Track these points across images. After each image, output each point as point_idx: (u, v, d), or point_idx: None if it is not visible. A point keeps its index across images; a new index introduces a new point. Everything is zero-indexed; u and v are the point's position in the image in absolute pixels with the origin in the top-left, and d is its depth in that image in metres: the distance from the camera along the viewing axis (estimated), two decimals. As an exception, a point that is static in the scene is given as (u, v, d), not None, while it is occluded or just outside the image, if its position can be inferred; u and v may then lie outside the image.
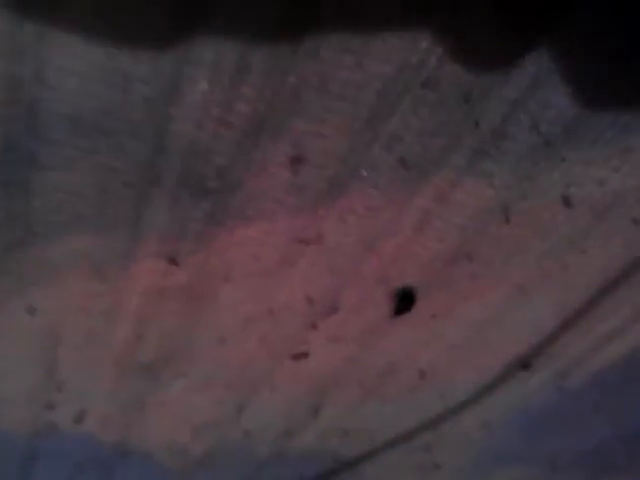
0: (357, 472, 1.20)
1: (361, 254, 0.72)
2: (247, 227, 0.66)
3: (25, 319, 0.74)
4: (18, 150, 0.56)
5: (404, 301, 0.78)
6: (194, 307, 0.74)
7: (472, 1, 0.52)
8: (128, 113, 0.55)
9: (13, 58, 0.50)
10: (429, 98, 0.58)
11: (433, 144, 0.62)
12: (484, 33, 0.55)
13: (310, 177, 0.62)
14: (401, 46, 0.54)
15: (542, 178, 0.65)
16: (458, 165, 0.64)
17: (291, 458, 1.11)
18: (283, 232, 0.67)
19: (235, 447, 1.06)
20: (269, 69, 0.53)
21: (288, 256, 0.70)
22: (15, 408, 0.88)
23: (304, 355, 0.84)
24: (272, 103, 0.56)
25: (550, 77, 0.57)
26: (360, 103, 0.57)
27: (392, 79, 0.56)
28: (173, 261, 0.67)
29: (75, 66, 0.52)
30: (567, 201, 0.69)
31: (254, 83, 0.54)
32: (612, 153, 0.64)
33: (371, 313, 0.79)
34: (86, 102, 0.54)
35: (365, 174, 0.64)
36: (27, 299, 0.71)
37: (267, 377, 0.89)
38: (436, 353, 0.90)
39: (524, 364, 0.95)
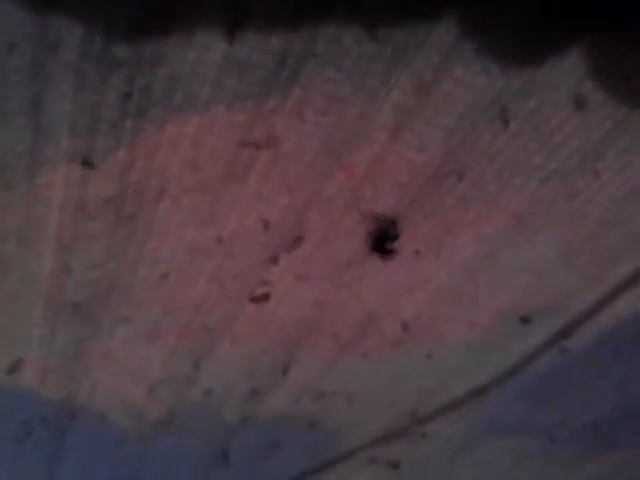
0: (335, 439, 1.04)
1: (325, 165, 0.55)
2: (178, 121, 0.50)
3: None
4: None
5: (385, 237, 0.61)
6: (126, 229, 0.58)
7: None
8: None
9: None
10: None
11: (407, 6, 0.45)
12: None
13: (252, 50, 0.45)
14: None
15: (550, 66, 0.49)
16: (443, 43, 0.47)
17: (261, 422, 0.95)
18: (224, 130, 0.51)
19: (197, 409, 0.90)
20: None
21: (234, 165, 0.54)
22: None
23: (265, 297, 0.68)
24: None
25: None
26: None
27: None
28: (88, 163, 0.51)
29: None
30: (581, 101, 0.52)
31: None
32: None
33: (342, 245, 0.63)
34: None
35: (321, 48, 0.47)
36: None
37: (225, 325, 0.73)
38: (421, 301, 0.74)
39: (523, 317, 0.79)
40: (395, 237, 0.63)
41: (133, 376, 0.82)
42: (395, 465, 1.12)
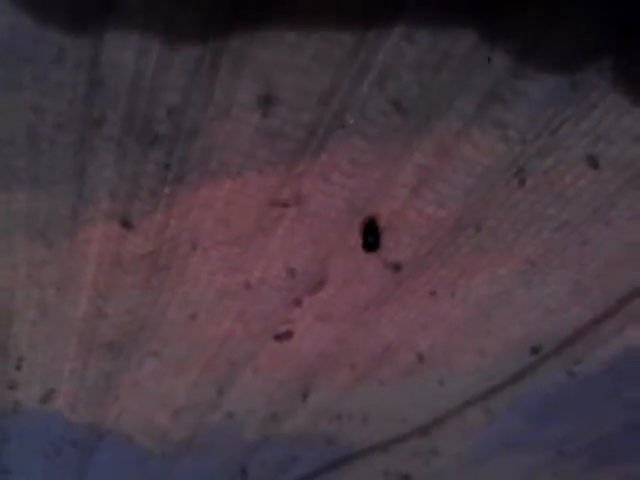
0: (350, 453, 1.07)
1: (349, 220, 0.57)
2: (212, 185, 0.52)
3: (-33, 290, 0.60)
4: None
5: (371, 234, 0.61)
6: (159, 279, 0.60)
7: None
8: (45, 32, 0.40)
9: None
10: (430, 18, 0.43)
11: (434, 82, 0.47)
12: None
13: (283, 122, 0.47)
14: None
15: (565, 130, 0.50)
16: (465, 112, 0.49)
17: (281, 442, 0.98)
18: (255, 192, 0.53)
19: (219, 430, 0.92)
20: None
21: (263, 221, 0.56)
22: (-27, 387, 0.75)
23: (288, 334, 0.70)
24: (230, 23, 0.41)
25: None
26: (343, 25, 0.42)
27: (382, -6, 0.41)
28: (127, 224, 0.53)
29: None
30: (594, 161, 0.54)
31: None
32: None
33: (362, 288, 0.65)
34: (-5, 17, 0.39)
35: (351, 121, 0.49)
36: (-34, 266, 0.58)
37: (248, 358, 0.75)
38: (436, 335, 0.76)
39: (533, 348, 0.81)
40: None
41: (159, 402, 0.85)
42: (407, 478, 1.14)
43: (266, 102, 0.46)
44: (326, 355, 0.77)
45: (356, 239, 0.60)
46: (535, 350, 0.81)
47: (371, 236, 0.60)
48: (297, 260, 0.61)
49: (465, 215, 0.58)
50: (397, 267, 0.62)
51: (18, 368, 0.74)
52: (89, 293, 0.62)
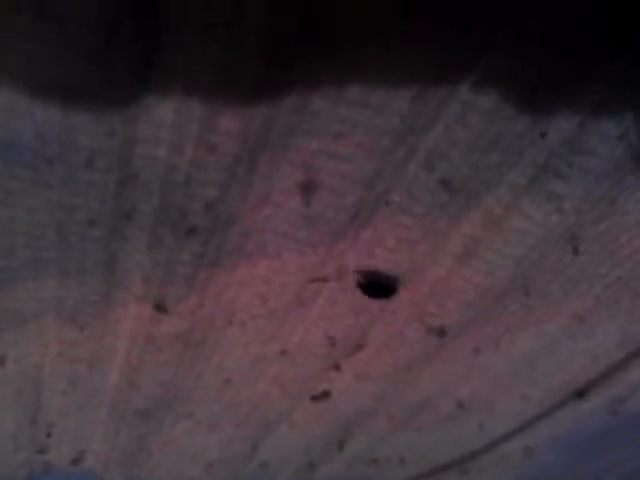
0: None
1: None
2: (249, 265, 0.49)
3: (-5, 369, 0.58)
4: (-59, 187, 0.39)
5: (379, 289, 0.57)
6: (193, 353, 0.58)
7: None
8: (74, 137, 0.38)
9: None
10: (481, 103, 0.40)
11: (485, 161, 0.44)
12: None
13: (325, 207, 0.45)
14: (445, 36, 0.36)
15: (625, 197, 0.47)
16: (516, 184, 0.47)
17: (314, 485, 0.95)
18: (294, 270, 0.50)
19: (252, 479, 0.90)
20: (266, 70, 0.36)
21: (302, 295, 0.54)
22: (5, 453, 0.73)
23: (325, 395, 0.68)
24: (269, 116, 0.38)
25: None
26: (390, 112, 0.40)
27: (431, 80, 0.38)
28: (161, 308, 0.51)
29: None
30: (650, 221, 0.51)
31: (244, 90, 0.36)
32: None
33: (403, 351, 0.62)
34: (17, 123, 0.37)
35: (397, 199, 0.46)
36: (-6, 349, 0.56)
37: (284, 416, 0.73)
38: (478, 385, 0.73)
39: (578, 392, 0.78)
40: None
41: (192, 458, 0.83)
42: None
43: (307, 188, 0.43)
44: (364, 409, 0.75)
45: (398, 305, 0.57)
46: (579, 394, 0.78)
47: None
48: (337, 328, 0.58)
49: (514, 281, 0.55)
50: (441, 332, 0.59)
51: (48, 435, 0.72)
52: (121, 367, 0.60)
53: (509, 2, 0.35)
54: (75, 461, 0.78)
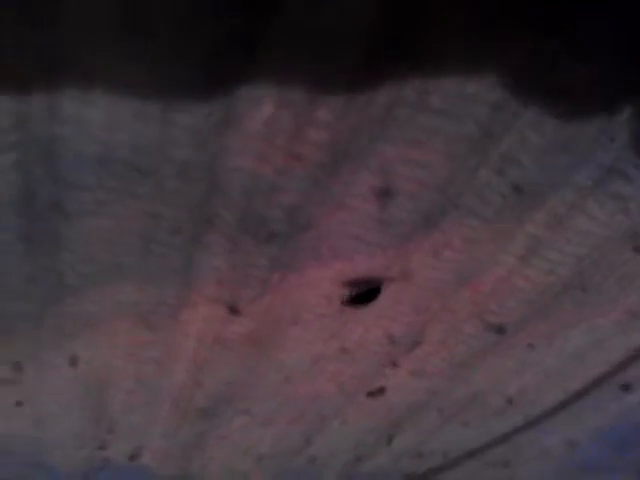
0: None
1: (453, 289, 0.56)
2: (320, 267, 0.51)
3: (67, 369, 0.61)
4: (39, 199, 0.41)
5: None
6: (258, 352, 0.60)
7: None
8: (169, 149, 0.39)
9: (22, 90, 0.35)
10: (556, 109, 0.41)
11: (554, 164, 0.45)
12: None
13: (400, 211, 0.46)
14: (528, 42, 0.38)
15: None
16: (582, 186, 0.48)
17: (360, 478, 0.97)
18: (362, 271, 0.52)
19: (299, 473, 0.92)
20: (352, 83, 0.37)
21: (367, 296, 0.55)
22: (67, 449, 0.76)
23: (380, 391, 0.70)
24: (356, 126, 0.40)
25: None
26: (468, 120, 0.41)
27: (513, 87, 0.39)
28: (234, 310, 0.53)
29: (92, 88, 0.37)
30: None
31: (333, 102, 0.38)
32: None
33: (459, 348, 0.64)
34: (114, 138, 0.39)
35: (467, 203, 0.48)
36: (68, 351, 0.58)
37: (338, 412, 0.74)
38: (527, 380, 0.74)
39: (625, 385, 0.79)
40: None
41: (244, 452, 0.85)
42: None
43: (383, 194, 0.45)
44: (416, 404, 0.77)
45: (458, 304, 0.59)
46: (625, 387, 0.79)
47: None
48: (397, 327, 0.60)
49: (572, 278, 0.56)
50: (500, 329, 0.61)
51: (110, 432, 0.74)
52: (187, 367, 0.62)
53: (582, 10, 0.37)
54: (132, 457, 0.80)
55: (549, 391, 0.80)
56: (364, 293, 0.55)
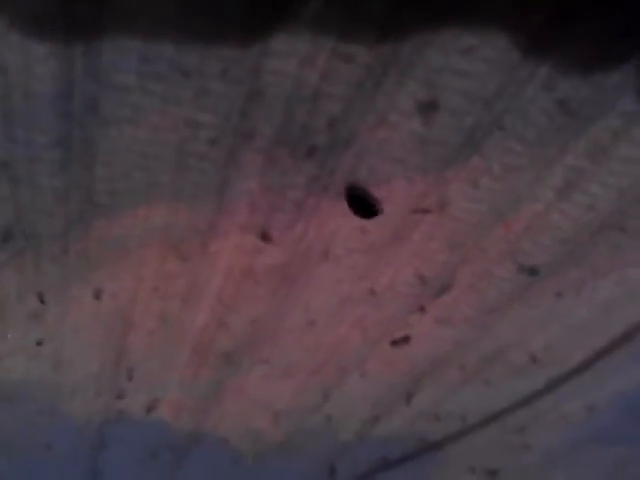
0: (439, 451, 1.05)
1: (488, 225, 0.55)
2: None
3: (91, 304, 0.60)
4: (76, 98, 0.40)
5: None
6: (286, 289, 0.59)
7: None
8: (216, 45, 0.38)
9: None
10: (613, 21, 0.40)
11: (605, 83, 0.44)
12: None
13: (444, 128, 0.45)
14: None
15: None
16: (627, 111, 0.46)
17: (374, 442, 0.96)
18: (400, 199, 0.51)
19: (315, 432, 0.91)
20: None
21: (402, 228, 0.54)
22: (84, 397, 0.75)
23: (405, 339, 0.68)
24: (407, 28, 0.38)
25: None
26: (521, 29, 0.40)
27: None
28: (266, 237, 0.51)
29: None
30: None
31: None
32: None
33: (490, 292, 0.62)
34: (162, 32, 0.37)
35: (509, 122, 0.46)
36: (93, 282, 0.57)
37: (359, 363, 0.73)
38: (553, 335, 0.73)
39: (650, 344, 0.78)
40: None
41: (261, 407, 0.84)
42: (493, 473, 1.12)
43: (427, 108, 0.44)
44: (438, 358, 0.75)
45: (491, 242, 0.58)
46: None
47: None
48: (429, 266, 0.59)
49: (613, 217, 0.55)
50: (533, 271, 0.60)
51: (129, 379, 0.73)
52: (212, 304, 0.61)
53: None
54: (149, 409, 0.79)
55: (573, 349, 0.79)
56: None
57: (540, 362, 0.77)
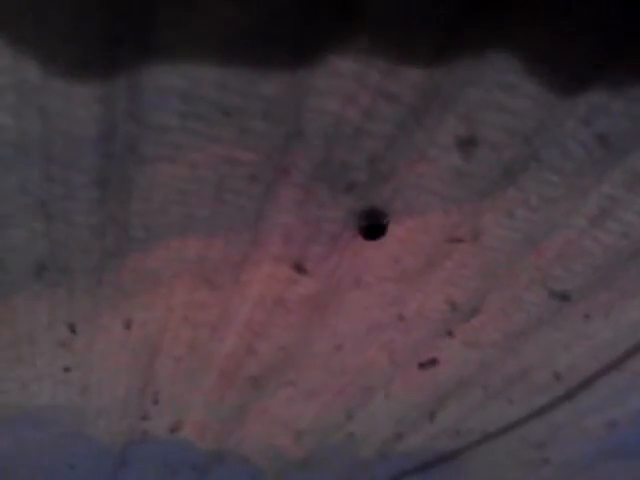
0: (461, 465, 1.04)
1: (520, 252, 0.54)
2: (392, 225, 0.49)
3: (120, 332, 0.59)
4: (118, 138, 0.40)
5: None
6: (316, 317, 0.58)
7: None
8: (259, 85, 0.38)
9: (111, 12, 0.33)
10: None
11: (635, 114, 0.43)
12: None
13: (482, 163, 0.44)
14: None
15: None
16: (666, 141, 0.46)
17: (395, 457, 0.96)
18: (434, 230, 0.50)
19: (336, 449, 0.91)
20: (456, 19, 0.36)
21: (435, 257, 0.53)
22: (109, 419, 0.74)
23: (432, 362, 0.68)
24: (452, 66, 0.38)
25: None
26: (561, 65, 0.39)
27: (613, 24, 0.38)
28: (300, 268, 0.51)
29: (188, 22, 0.35)
30: None
31: (434, 35, 0.36)
32: None
33: (519, 316, 0.62)
34: (205, 72, 0.37)
35: (545, 155, 0.46)
36: (123, 312, 0.57)
37: (384, 385, 0.73)
38: (578, 355, 0.73)
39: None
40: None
41: (283, 426, 0.83)
42: (511, 486, 1.12)
43: (467, 143, 0.43)
44: (464, 378, 0.75)
45: (522, 268, 0.57)
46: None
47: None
48: (460, 293, 0.58)
49: (645, 243, 0.55)
50: (564, 296, 0.59)
51: (155, 402, 0.73)
52: (241, 332, 0.61)
53: None
54: (173, 430, 0.79)
55: (597, 366, 0.78)
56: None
57: (563, 379, 0.77)
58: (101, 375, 0.66)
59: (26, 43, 0.34)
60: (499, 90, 0.41)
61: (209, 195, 0.45)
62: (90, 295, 0.54)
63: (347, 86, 0.39)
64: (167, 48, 0.36)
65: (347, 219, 0.48)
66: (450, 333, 0.64)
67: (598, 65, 0.41)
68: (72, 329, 0.58)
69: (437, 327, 0.63)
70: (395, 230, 0.51)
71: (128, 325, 0.58)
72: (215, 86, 0.38)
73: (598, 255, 0.55)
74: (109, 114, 0.38)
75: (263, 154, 0.42)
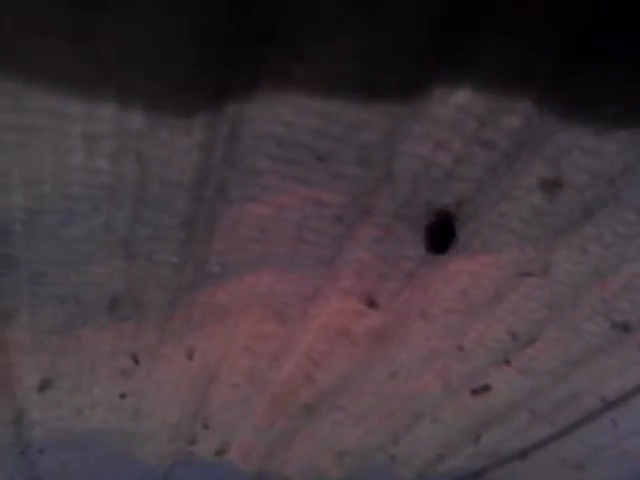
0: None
1: (587, 285, 0.54)
2: (466, 261, 0.49)
3: (182, 362, 0.59)
4: (210, 182, 0.40)
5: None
6: (378, 348, 0.58)
7: None
8: (359, 132, 0.38)
9: (225, 62, 0.33)
10: None
11: None
12: None
13: (564, 204, 0.45)
14: None
15: None
16: None
17: (435, 476, 0.96)
18: (507, 265, 0.50)
19: (377, 470, 0.91)
20: (558, 64, 0.36)
21: (502, 290, 0.53)
22: (158, 442, 0.74)
23: (485, 388, 0.68)
24: (543, 113, 0.38)
25: None
26: (655, 109, 0.39)
27: None
28: (372, 303, 0.51)
29: (296, 71, 0.35)
30: None
31: (535, 86, 0.36)
32: None
33: (577, 345, 0.62)
34: (305, 119, 0.37)
35: (624, 194, 0.46)
36: (187, 342, 0.56)
37: (433, 410, 0.73)
38: (627, 380, 0.72)
39: None
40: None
41: (327, 448, 0.83)
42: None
43: (551, 184, 0.43)
44: (513, 404, 0.75)
45: (587, 301, 0.57)
46: None
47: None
48: (522, 324, 0.58)
49: None
50: (626, 327, 0.59)
51: (205, 427, 0.73)
52: (300, 361, 0.61)
53: None
54: (219, 452, 0.79)
55: (643, 391, 0.78)
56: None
57: (609, 403, 0.77)
58: (155, 401, 0.67)
59: (134, 92, 0.34)
60: (591, 135, 0.41)
61: (290, 234, 0.45)
62: (158, 328, 0.54)
63: (442, 132, 0.39)
64: (271, 96, 0.36)
65: (424, 258, 0.48)
66: (507, 361, 0.64)
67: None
68: (135, 359, 0.58)
69: (495, 356, 0.63)
70: (468, 265, 0.51)
71: (190, 355, 0.58)
72: (313, 132, 0.38)
73: (664, 288, 0.55)
74: (207, 161, 0.38)
75: (351, 196, 0.42)
